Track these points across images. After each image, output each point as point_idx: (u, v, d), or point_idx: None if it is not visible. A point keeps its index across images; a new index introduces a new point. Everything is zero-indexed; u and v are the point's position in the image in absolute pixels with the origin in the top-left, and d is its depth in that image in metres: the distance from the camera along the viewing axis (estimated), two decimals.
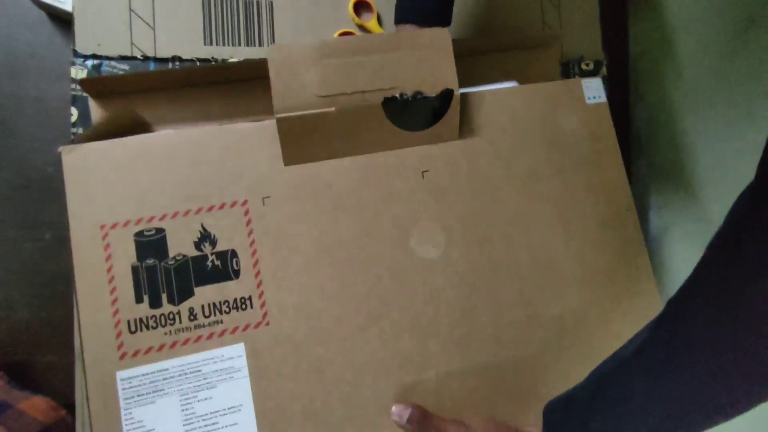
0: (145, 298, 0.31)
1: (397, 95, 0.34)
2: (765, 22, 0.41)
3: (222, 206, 0.33)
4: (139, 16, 0.44)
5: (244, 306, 0.32)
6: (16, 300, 0.46)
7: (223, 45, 0.45)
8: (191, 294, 0.31)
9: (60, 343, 0.45)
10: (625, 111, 0.59)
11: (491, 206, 0.36)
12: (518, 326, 0.35)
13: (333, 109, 0.33)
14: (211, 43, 0.45)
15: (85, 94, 0.42)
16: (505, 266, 0.36)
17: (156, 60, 0.44)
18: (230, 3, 0.46)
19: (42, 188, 0.47)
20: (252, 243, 0.33)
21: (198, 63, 0.45)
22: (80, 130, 0.42)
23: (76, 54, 0.42)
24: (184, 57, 0.44)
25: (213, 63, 0.44)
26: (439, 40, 0.36)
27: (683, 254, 0.52)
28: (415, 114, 0.35)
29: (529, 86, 0.39)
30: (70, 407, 0.43)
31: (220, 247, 0.32)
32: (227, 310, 0.31)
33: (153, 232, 0.32)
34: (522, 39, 0.45)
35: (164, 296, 0.31)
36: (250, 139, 0.34)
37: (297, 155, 0.34)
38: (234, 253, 0.32)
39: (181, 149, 0.33)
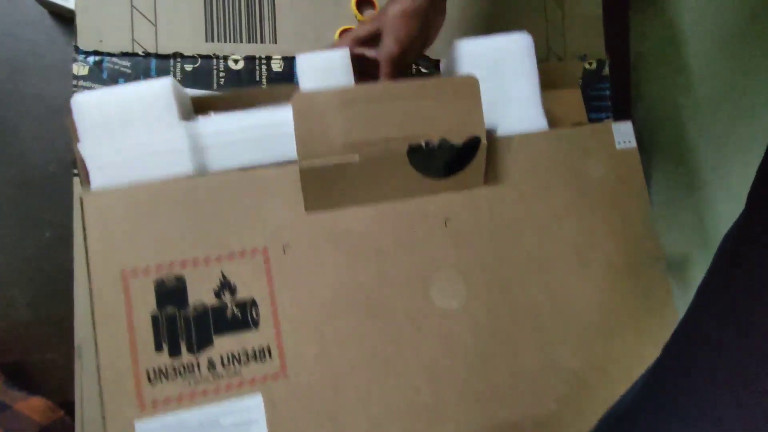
0: (165, 347, 0.31)
1: (423, 143, 0.34)
2: (766, 19, 0.41)
3: (242, 254, 0.32)
4: (140, 13, 0.44)
5: (262, 356, 0.31)
6: (15, 298, 0.46)
7: (225, 42, 0.45)
8: (210, 343, 0.31)
9: (59, 341, 0.45)
10: (627, 110, 0.59)
11: (513, 252, 0.35)
12: (537, 379, 0.34)
13: (356, 157, 0.33)
14: (212, 40, 0.45)
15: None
16: (526, 315, 0.35)
17: (158, 57, 0.43)
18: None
19: (42, 186, 0.46)
20: (271, 292, 0.32)
21: (200, 60, 0.44)
22: None
23: (77, 50, 0.42)
24: (185, 54, 0.44)
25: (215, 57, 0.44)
26: (466, 87, 0.35)
27: (679, 257, 0.52)
28: (440, 162, 0.34)
29: (558, 131, 0.38)
30: (68, 405, 0.43)
31: (239, 296, 0.32)
32: (246, 360, 0.31)
33: (173, 279, 0.31)
34: (543, 74, 0.43)
35: (183, 345, 0.31)
36: (272, 184, 0.33)
37: (319, 202, 0.33)
38: (253, 302, 0.32)
39: (203, 194, 0.32)
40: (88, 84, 0.42)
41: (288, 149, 0.36)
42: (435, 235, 0.34)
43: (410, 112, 0.34)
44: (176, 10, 0.44)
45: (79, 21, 0.42)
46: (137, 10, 0.44)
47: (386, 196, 0.34)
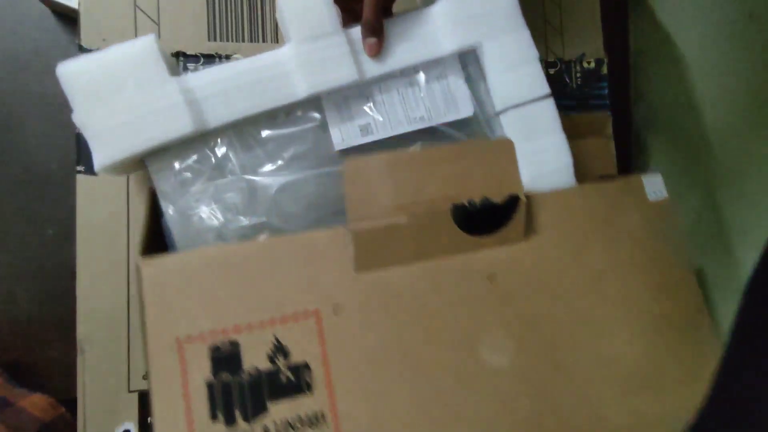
0: (220, 415, 0.30)
1: (466, 202, 0.35)
2: (764, 16, 0.42)
3: (295, 316, 0.32)
4: (144, 12, 0.44)
5: (317, 421, 0.31)
6: (18, 295, 0.46)
7: (228, 41, 0.45)
8: (265, 410, 0.31)
9: (62, 338, 0.45)
10: (626, 109, 0.59)
11: (557, 308, 0.36)
12: None
13: (404, 218, 0.34)
14: (215, 39, 0.45)
15: None
16: (574, 372, 0.35)
17: None
18: None
19: (45, 184, 0.47)
20: (324, 354, 0.32)
21: (202, 59, 0.45)
22: None
23: (81, 49, 0.42)
24: (188, 53, 0.44)
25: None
26: (503, 149, 0.37)
27: None
28: (483, 219, 0.36)
29: (590, 186, 0.39)
30: (69, 403, 0.43)
31: (292, 360, 0.32)
32: (300, 426, 0.31)
33: (228, 345, 0.31)
34: (570, 126, 0.44)
35: (238, 413, 0.30)
36: (323, 247, 0.34)
37: (368, 262, 0.34)
38: (306, 365, 0.32)
39: (257, 258, 0.33)
40: None
41: (281, 92, 0.37)
42: (480, 292, 0.35)
43: (451, 174, 0.36)
44: (179, 10, 0.44)
45: (83, 20, 0.42)
46: (140, 9, 0.44)
47: (432, 255, 0.35)
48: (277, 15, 0.40)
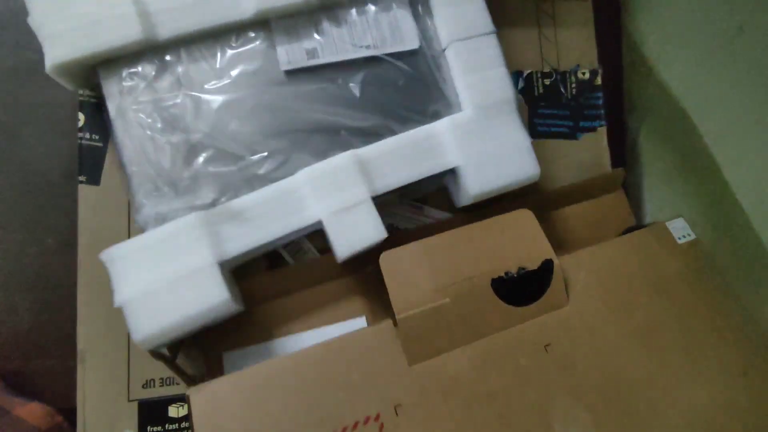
0: None
1: (503, 274, 0.36)
2: (753, 30, 0.43)
3: (356, 425, 0.31)
4: None
5: None
6: (17, 304, 0.46)
7: None
8: None
9: (61, 347, 0.45)
10: (620, 119, 0.60)
11: (620, 367, 0.35)
12: None
13: (448, 299, 0.34)
14: None
15: (92, 100, 0.42)
16: (651, 428, 0.34)
17: None
18: None
19: (46, 193, 0.47)
20: None
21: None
22: (87, 135, 0.43)
23: None
24: None
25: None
26: (523, 219, 0.38)
27: None
28: (523, 288, 0.36)
29: (619, 239, 0.40)
30: (67, 411, 0.43)
31: None
32: None
33: None
34: (585, 188, 0.45)
35: None
36: (372, 345, 0.33)
37: (419, 353, 0.34)
38: None
39: (307, 369, 0.32)
40: (92, 94, 0.43)
41: (231, 10, 0.39)
42: (540, 363, 0.34)
43: (482, 250, 0.36)
44: None
45: None
46: None
47: (482, 333, 0.35)
48: None
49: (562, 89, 0.51)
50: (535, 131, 0.50)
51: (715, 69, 0.47)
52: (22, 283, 0.46)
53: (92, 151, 0.42)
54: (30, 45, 0.47)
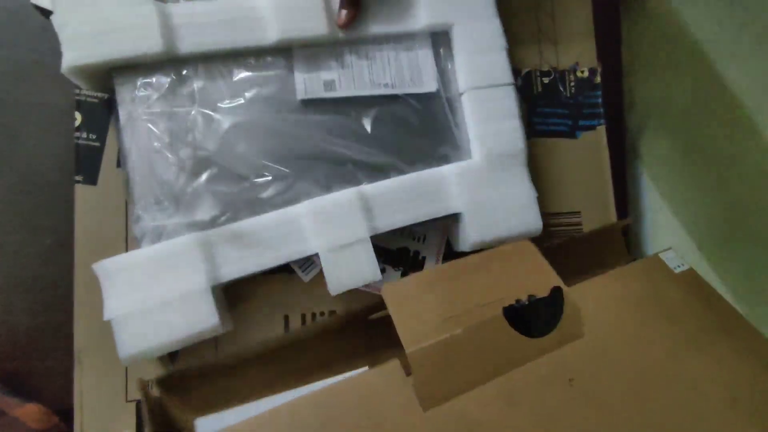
0: None
1: (514, 302, 0.35)
2: (755, 29, 0.42)
3: None
4: None
5: None
6: (15, 305, 0.46)
7: None
8: None
9: (59, 348, 0.45)
10: (620, 117, 0.60)
11: (656, 401, 0.33)
12: None
13: (459, 329, 0.32)
14: None
15: (89, 99, 0.42)
16: None
17: None
18: None
19: (44, 193, 0.47)
20: None
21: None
22: (84, 135, 0.43)
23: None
24: None
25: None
26: (524, 249, 0.37)
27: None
28: (537, 318, 0.35)
29: (617, 271, 0.38)
30: (64, 413, 0.43)
31: None
32: None
33: None
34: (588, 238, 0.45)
35: None
36: (379, 388, 0.30)
37: (435, 395, 0.30)
38: None
39: (310, 414, 0.29)
40: (90, 93, 0.43)
41: (253, 34, 0.39)
42: (566, 400, 0.32)
43: (488, 279, 0.36)
44: None
45: None
46: None
47: (499, 370, 0.32)
48: None
49: (561, 88, 0.51)
50: (533, 130, 0.50)
51: (715, 64, 0.47)
52: (20, 283, 0.46)
53: (89, 151, 0.42)
54: (28, 45, 0.47)
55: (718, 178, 0.48)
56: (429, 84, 0.44)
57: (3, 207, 0.46)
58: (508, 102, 0.44)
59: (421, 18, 0.43)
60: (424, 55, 0.44)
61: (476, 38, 0.44)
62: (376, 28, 0.42)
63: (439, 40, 0.45)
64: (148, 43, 0.37)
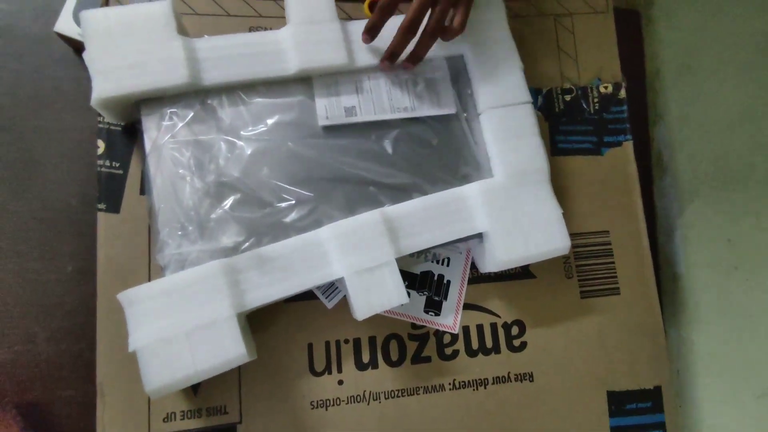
0: None
1: None
2: None
3: None
4: None
5: None
6: (36, 334, 0.46)
7: None
8: None
9: (81, 377, 0.44)
10: (645, 131, 0.58)
11: None
12: None
13: None
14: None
15: (112, 127, 0.42)
16: None
17: None
18: None
19: (64, 220, 0.47)
20: None
21: None
22: (107, 162, 0.43)
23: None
24: None
25: None
26: None
27: (707, 277, 0.51)
28: None
29: None
30: None
31: None
32: None
33: None
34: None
35: None
36: None
37: None
38: None
39: None
40: (112, 121, 0.43)
41: (275, 65, 0.41)
42: None
43: None
44: None
45: None
46: None
47: None
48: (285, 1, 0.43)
49: (584, 104, 0.50)
50: (556, 148, 0.49)
51: (743, 76, 0.46)
52: (41, 311, 0.46)
53: (112, 179, 0.42)
54: (49, 72, 0.47)
55: (747, 191, 0.46)
56: (448, 106, 0.44)
57: (24, 234, 0.46)
58: (526, 120, 0.44)
59: (436, 48, 0.44)
60: (442, 80, 0.45)
61: (491, 61, 0.44)
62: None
63: (456, 62, 0.45)
64: (175, 75, 0.38)
